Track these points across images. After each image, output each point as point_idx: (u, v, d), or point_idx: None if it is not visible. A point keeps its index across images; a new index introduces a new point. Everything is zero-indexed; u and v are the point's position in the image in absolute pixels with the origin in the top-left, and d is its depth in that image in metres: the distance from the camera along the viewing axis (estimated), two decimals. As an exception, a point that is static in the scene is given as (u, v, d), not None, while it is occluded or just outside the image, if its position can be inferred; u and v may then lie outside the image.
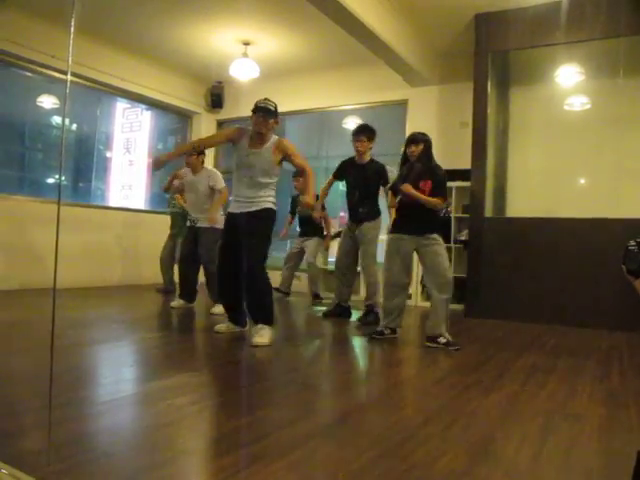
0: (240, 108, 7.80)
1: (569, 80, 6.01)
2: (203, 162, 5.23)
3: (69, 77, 1.76)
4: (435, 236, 3.88)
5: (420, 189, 3.83)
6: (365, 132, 4.89)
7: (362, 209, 4.86)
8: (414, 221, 3.91)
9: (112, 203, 7.63)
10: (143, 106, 7.95)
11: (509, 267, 5.50)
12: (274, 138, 3.74)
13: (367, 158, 4.93)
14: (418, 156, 3.91)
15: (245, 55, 6.63)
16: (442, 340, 3.76)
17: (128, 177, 7.91)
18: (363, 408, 2.44)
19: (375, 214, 4.91)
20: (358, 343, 4.13)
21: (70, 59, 1.61)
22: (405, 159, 4.04)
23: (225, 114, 8.51)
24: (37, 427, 1.92)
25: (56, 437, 1.80)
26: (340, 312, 5.06)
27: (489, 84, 5.70)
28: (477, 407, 2.39)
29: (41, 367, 2.71)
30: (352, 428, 2.13)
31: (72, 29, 1.47)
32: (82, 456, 1.70)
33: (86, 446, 1.81)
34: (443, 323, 3.79)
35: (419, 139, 3.94)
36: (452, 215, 6.32)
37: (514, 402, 2.51)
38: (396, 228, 4.01)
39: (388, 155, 7.51)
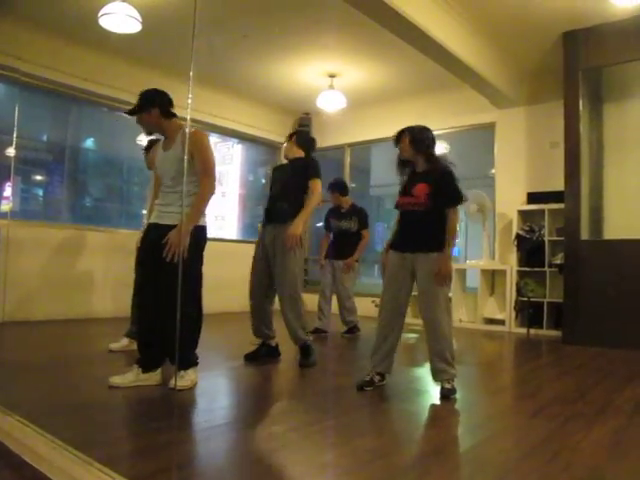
0: (327, 138, 8.02)
1: (667, 93, 5.72)
2: None
3: (188, 122, 1.93)
4: None
5: (413, 195, 3.07)
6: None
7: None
8: None
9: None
10: (234, 140, 8.33)
11: (609, 291, 5.24)
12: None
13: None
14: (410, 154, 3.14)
15: (331, 87, 6.82)
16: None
17: (221, 208, 8.27)
18: (460, 439, 2.42)
19: None
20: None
21: (190, 106, 1.76)
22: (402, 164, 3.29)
23: (312, 144, 8.74)
24: (152, 448, 2.06)
25: (169, 458, 1.94)
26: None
27: (580, 102, 5.53)
28: (581, 440, 2.31)
29: (136, 393, 2.89)
30: (449, 459, 2.13)
31: (191, 81, 1.63)
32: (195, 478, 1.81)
33: (198, 469, 1.92)
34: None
35: (403, 132, 3.17)
36: (545, 239, 6.13)
37: (621, 436, 2.40)
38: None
39: (476, 179, 7.44)
